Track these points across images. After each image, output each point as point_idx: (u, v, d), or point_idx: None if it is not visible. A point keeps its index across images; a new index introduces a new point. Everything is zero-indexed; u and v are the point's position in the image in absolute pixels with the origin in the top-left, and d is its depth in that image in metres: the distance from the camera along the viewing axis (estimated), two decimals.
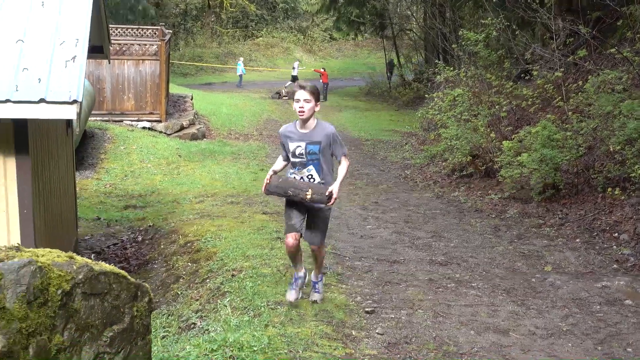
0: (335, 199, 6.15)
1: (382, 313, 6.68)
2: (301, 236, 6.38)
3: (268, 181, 6.29)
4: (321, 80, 35.08)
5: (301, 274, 6.60)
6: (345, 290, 7.33)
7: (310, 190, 6.07)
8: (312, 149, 6.25)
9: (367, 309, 6.71)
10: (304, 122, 6.26)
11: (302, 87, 6.22)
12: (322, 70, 36.68)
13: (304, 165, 6.32)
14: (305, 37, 57.50)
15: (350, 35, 48.74)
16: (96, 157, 16.74)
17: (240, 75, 40.03)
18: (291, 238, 6.28)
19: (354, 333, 6.06)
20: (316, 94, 6.24)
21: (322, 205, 6.24)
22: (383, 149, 20.77)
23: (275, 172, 6.46)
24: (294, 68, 38.63)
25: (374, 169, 17.42)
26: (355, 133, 24.11)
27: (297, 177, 6.35)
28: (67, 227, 9.83)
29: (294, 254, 6.43)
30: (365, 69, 45.17)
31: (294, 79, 39.02)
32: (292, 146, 6.33)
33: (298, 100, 6.15)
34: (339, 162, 6.44)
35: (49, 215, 8.09)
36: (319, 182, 6.31)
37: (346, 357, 5.44)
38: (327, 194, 6.08)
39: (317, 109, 6.25)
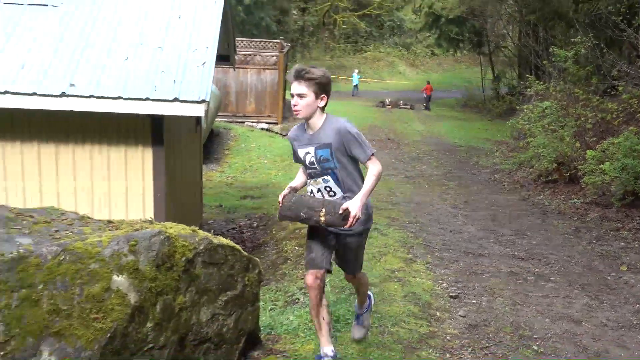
0: (356, 218, 4.05)
1: (464, 298, 6.64)
2: (329, 272, 4.42)
3: (280, 202, 4.33)
4: (425, 93, 35.05)
5: (327, 350, 4.38)
6: (433, 277, 7.32)
7: (323, 209, 4.11)
8: (323, 155, 4.25)
9: (451, 294, 6.69)
10: (308, 121, 4.31)
11: (296, 77, 4.19)
12: (426, 83, 36.56)
13: (318, 176, 4.35)
14: (409, 52, 57.31)
15: (449, 51, 48.28)
16: (221, 152, 17.18)
17: (355, 85, 40.50)
18: (310, 277, 4.30)
19: (438, 314, 6.06)
20: (316, 83, 4.16)
21: (350, 230, 4.28)
22: (475, 155, 20.45)
23: (293, 189, 4.44)
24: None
25: (466, 172, 17.19)
26: (451, 140, 23.82)
27: (315, 193, 4.41)
28: (194, 211, 10.17)
29: (316, 302, 4.33)
30: (462, 82, 44.59)
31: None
32: (301, 153, 4.41)
33: (292, 96, 4.25)
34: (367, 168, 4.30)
35: (178, 199, 8.40)
36: (340, 197, 4.33)
37: (430, 334, 5.45)
38: (340, 212, 4.05)
39: (321, 103, 4.22)
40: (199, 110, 7.07)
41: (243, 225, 11.51)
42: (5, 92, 6.87)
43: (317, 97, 4.20)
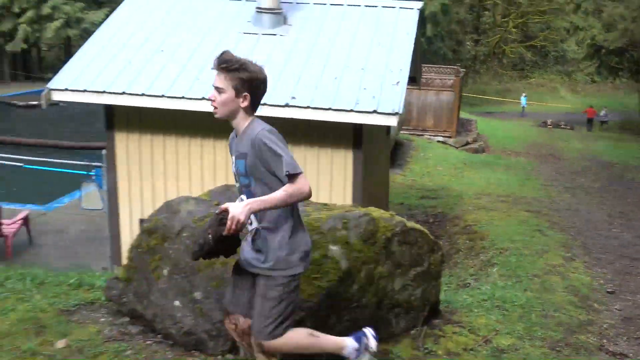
0: (237, 221, 2.57)
1: (620, 295, 6.31)
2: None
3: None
4: (587, 116, 33.32)
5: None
6: (591, 274, 7.01)
7: (210, 229, 2.69)
8: (240, 167, 2.90)
9: (608, 290, 6.39)
10: (232, 123, 2.96)
11: (216, 66, 2.82)
12: (589, 108, 34.68)
13: (239, 194, 2.99)
14: (570, 79, 54.58)
15: (609, 79, 45.48)
16: (403, 159, 17.32)
17: (523, 107, 39.70)
18: (226, 320, 3.13)
19: (595, 305, 5.81)
20: (238, 78, 2.79)
21: (258, 267, 2.87)
22: (631, 171, 19.09)
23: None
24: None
25: (622, 186, 16.10)
26: (607, 158, 22.36)
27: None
28: (381, 205, 10.38)
29: (251, 351, 3.13)
30: (621, 107, 41.77)
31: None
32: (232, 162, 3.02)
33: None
34: None
35: (370, 193, 8.63)
36: (253, 230, 2.90)
37: (588, 321, 5.25)
38: (217, 212, 2.68)
39: (243, 103, 2.85)
40: (392, 121, 7.27)
41: (421, 220, 11.57)
42: None
43: (237, 95, 2.82)
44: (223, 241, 2.68)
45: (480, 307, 4.98)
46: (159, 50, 8.37)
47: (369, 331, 3.18)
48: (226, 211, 2.63)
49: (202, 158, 8.16)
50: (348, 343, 3.08)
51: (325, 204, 4.38)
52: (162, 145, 8.21)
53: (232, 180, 7.75)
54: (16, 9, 27.17)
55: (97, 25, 27.97)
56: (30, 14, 27.04)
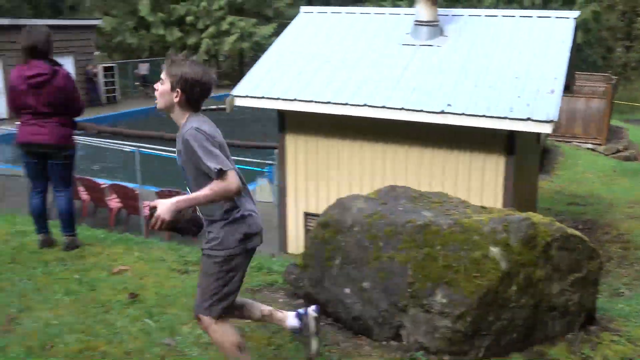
0: (159, 219, 2.59)
1: None
2: None
3: None
4: None
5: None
6: None
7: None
8: (178, 163, 2.89)
9: None
10: (173, 118, 2.88)
11: (166, 60, 2.90)
12: None
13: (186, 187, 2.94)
14: None
15: None
16: (551, 165, 16.45)
17: None
18: None
19: None
20: (173, 75, 2.77)
21: (205, 247, 2.88)
22: None
23: None
24: None
25: None
26: None
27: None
28: (530, 208, 9.97)
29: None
30: None
31: None
32: None
33: None
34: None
35: (520, 197, 8.32)
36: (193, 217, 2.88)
37: None
38: (150, 206, 2.67)
39: (176, 99, 2.78)
40: (547, 128, 6.99)
41: (569, 227, 10.96)
42: (401, 109, 7.48)
43: (172, 90, 2.77)
44: (175, 227, 2.71)
45: (639, 318, 4.65)
46: (326, 62, 8.64)
47: (308, 311, 3.07)
48: (155, 208, 2.62)
49: (362, 160, 8.31)
50: (291, 319, 3.08)
51: (484, 207, 4.32)
52: (326, 147, 8.47)
53: (388, 182, 7.84)
54: (201, 26, 29.17)
55: (266, 38, 29.37)
56: (212, 29, 28.89)
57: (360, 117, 7.78)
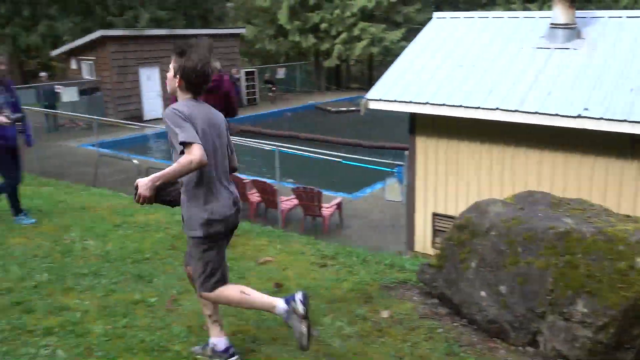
0: (140, 195, 2.67)
1: None
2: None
3: None
4: None
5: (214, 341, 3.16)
6: None
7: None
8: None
9: None
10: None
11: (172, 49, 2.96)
12: None
13: None
14: None
15: None
16: None
17: None
18: (185, 269, 3.36)
19: None
20: (177, 62, 2.87)
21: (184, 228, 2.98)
22: None
23: None
24: None
25: None
26: None
27: None
28: None
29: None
30: None
31: None
32: None
33: None
34: None
35: None
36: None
37: None
38: (134, 186, 2.72)
39: (178, 84, 2.88)
40: None
41: None
42: (535, 113, 7.13)
43: (174, 76, 2.88)
44: (162, 200, 2.79)
45: None
46: (458, 66, 8.43)
47: (298, 296, 2.89)
48: (137, 186, 2.69)
49: (492, 163, 8.03)
50: (279, 304, 2.91)
51: (629, 216, 3.99)
52: (456, 149, 8.27)
53: (519, 186, 7.50)
54: (334, 32, 29.63)
55: (395, 43, 29.20)
56: (344, 36, 29.24)
57: (492, 120, 7.52)
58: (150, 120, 21.80)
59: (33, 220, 5.82)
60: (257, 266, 4.68)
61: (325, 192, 10.71)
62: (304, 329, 2.85)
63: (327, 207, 10.55)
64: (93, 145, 14.86)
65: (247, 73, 26.04)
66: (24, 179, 6.43)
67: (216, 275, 2.95)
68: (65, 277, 4.33)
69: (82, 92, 20.27)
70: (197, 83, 2.89)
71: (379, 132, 19.69)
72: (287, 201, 10.80)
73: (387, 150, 16.82)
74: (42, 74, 21.55)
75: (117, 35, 21.55)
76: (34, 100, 19.33)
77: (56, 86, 19.90)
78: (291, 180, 12.35)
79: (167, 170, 2.69)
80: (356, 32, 29.19)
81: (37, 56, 33.35)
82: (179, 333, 3.47)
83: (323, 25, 29.60)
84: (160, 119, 22.21)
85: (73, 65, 22.76)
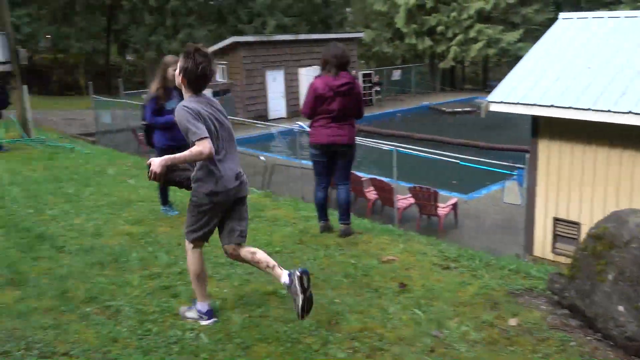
0: (152, 172, 3.07)
1: None
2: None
3: None
4: None
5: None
6: None
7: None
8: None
9: None
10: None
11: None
12: None
13: None
14: None
15: None
16: None
17: None
18: None
19: None
20: (180, 63, 3.26)
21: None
22: None
23: None
24: None
25: None
26: None
27: None
28: None
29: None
30: None
31: None
32: None
33: None
34: None
35: None
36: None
37: None
38: (147, 163, 3.15)
39: (182, 82, 3.28)
40: None
41: None
42: None
43: (179, 74, 3.30)
44: (171, 180, 3.36)
45: None
46: (586, 68, 7.83)
47: (296, 273, 3.19)
48: (150, 164, 3.10)
49: (620, 170, 7.37)
50: (284, 277, 3.25)
51: None
52: (582, 153, 7.69)
53: None
54: (450, 35, 28.83)
55: (512, 44, 27.84)
56: (460, 37, 28.34)
57: (623, 125, 6.89)
58: (274, 119, 22.45)
59: (176, 212, 6.13)
60: (380, 264, 4.60)
61: (442, 192, 10.42)
62: (300, 302, 3.17)
63: (443, 207, 10.26)
64: None
65: (364, 75, 26.03)
66: None
67: (199, 232, 3.42)
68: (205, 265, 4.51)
69: (215, 94, 21.26)
70: (197, 83, 3.30)
71: (493, 134, 18.90)
72: (404, 200, 10.63)
73: (503, 152, 16.10)
74: None
75: (247, 41, 22.38)
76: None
77: None
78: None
79: (180, 155, 3.12)
80: (472, 33, 28.19)
81: (176, 61, 35.50)
82: (309, 326, 3.48)
83: (439, 28, 28.89)
84: (284, 118, 22.81)
85: None
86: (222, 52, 22.51)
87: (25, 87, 12.24)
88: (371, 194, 11.28)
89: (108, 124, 17.81)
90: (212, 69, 3.29)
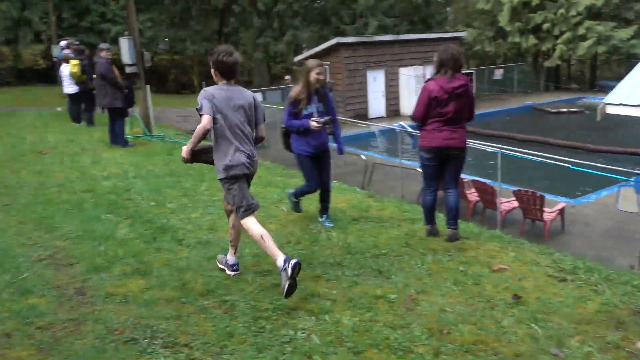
0: (183, 158, 3.90)
1: None
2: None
3: None
4: None
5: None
6: None
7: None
8: None
9: None
10: None
11: None
12: None
13: None
14: None
15: None
16: None
17: None
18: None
19: None
20: (211, 61, 3.92)
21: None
22: None
23: None
24: None
25: None
26: None
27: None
28: None
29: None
30: None
31: None
32: None
33: None
34: None
35: None
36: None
37: None
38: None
39: (215, 75, 3.94)
40: None
41: None
42: None
43: (212, 69, 3.93)
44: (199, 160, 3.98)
45: None
46: None
47: (292, 262, 3.62)
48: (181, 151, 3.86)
49: None
50: (279, 261, 3.69)
51: None
52: None
53: None
54: (556, 32, 27.13)
55: (625, 41, 25.73)
56: (567, 35, 26.58)
57: None
58: (374, 118, 22.29)
59: (331, 225, 5.51)
60: (491, 273, 4.34)
61: (548, 197, 9.79)
62: (286, 285, 3.62)
63: (549, 212, 9.62)
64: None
65: (466, 74, 25.13)
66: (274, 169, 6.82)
67: (242, 205, 3.89)
68: (314, 265, 4.48)
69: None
70: (222, 71, 3.88)
71: (600, 136, 17.56)
72: (507, 202, 10.10)
73: (613, 155, 14.91)
74: (287, 77, 23.26)
75: (349, 42, 22.35)
76: (279, 99, 20.98)
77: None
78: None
79: (192, 138, 3.78)
80: (581, 31, 26.36)
81: (281, 61, 36.30)
82: (420, 335, 3.33)
83: (545, 25, 27.29)
84: (384, 117, 22.58)
85: None
86: (325, 53, 22.64)
87: (148, 87, 12.96)
88: (472, 195, 10.83)
89: None
90: (234, 59, 3.85)
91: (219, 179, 3.92)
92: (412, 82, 22.61)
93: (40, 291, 4.08)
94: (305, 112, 5.28)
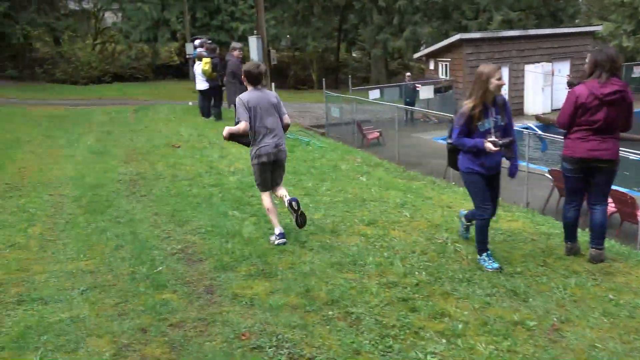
0: (224, 137, 4.99)
1: None
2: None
3: None
4: None
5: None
6: None
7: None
8: None
9: None
10: None
11: None
12: None
13: None
14: None
15: None
16: None
17: None
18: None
19: None
20: (244, 70, 5.13)
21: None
22: None
23: None
24: None
25: None
26: None
27: None
28: None
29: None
30: None
31: None
32: None
33: None
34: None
35: None
36: None
37: None
38: None
39: (245, 82, 5.10)
40: None
41: None
42: None
43: (244, 78, 5.06)
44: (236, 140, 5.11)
45: None
46: None
47: (281, 237, 5.03)
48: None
49: None
50: (276, 230, 5.08)
51: None
52: None
53: None
54: None
55: None
56: None
57: None
58: None
59: (497, 266, 4.38)
60: None
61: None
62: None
63: None
64: (444, 139, 14.96)
65: None
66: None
67: (261, 184, 5.16)
68: (442, 280, 4.18)
69: (436, 90, 20.75)
70: (250, 80, 4.99)
71: None
72: None
73: None
74: (408, 74, 22.77)
75: (473, 38, 21.35)
76: (397, 97, 20.57)
77: (416, 84, 20.80)
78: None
79: (233, 127, 4.88)
80: None
81: (399, 57, 35.71)
82: None
83: None
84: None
85: (431, 65, 23.48)
86: (446, 50, 21.83)
87: (273, 84, 13.24)
88: (609, 206, 9.80)
89: (336, 117, 18.51)
90: (261, 69, 5.00)
91: (252, 162, 5.09)
92: (540, 80, 21.15)
93: (173, 286, 4.18)
94: (481, 129, 4.32)
